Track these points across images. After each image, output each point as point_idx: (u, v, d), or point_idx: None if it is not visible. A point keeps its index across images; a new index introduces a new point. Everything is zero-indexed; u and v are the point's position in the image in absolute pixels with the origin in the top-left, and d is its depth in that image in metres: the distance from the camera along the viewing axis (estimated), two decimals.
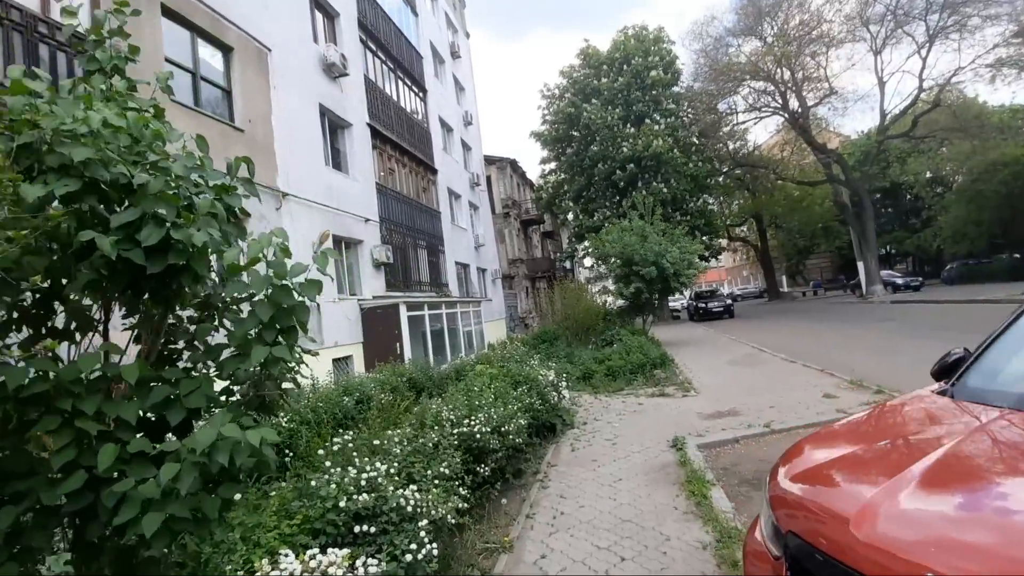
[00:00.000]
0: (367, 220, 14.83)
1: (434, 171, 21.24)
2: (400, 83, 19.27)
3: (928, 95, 27.29)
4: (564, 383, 7.18)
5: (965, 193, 31.85)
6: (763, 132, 66.58)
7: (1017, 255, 35.69)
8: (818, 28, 27.63)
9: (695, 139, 30.20)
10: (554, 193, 31.40)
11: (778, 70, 28.27)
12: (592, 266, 19.14)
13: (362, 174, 15.17)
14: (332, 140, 14.45)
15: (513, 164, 36.17)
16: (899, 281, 31.50)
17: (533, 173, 35.18)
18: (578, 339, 15.34)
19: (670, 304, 36.13)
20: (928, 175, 42.61)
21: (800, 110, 28.83)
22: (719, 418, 6.67)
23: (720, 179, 31.59)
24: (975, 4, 23.14)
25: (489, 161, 34.60)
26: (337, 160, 14.50)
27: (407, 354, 13.39)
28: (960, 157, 33.78)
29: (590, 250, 18.48)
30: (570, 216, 34.92)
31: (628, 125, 26.30)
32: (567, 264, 36.91)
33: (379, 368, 9.27)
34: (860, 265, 32.02)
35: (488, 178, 34.55)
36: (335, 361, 12.63)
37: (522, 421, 5.06)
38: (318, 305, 11.94)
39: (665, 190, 24.40)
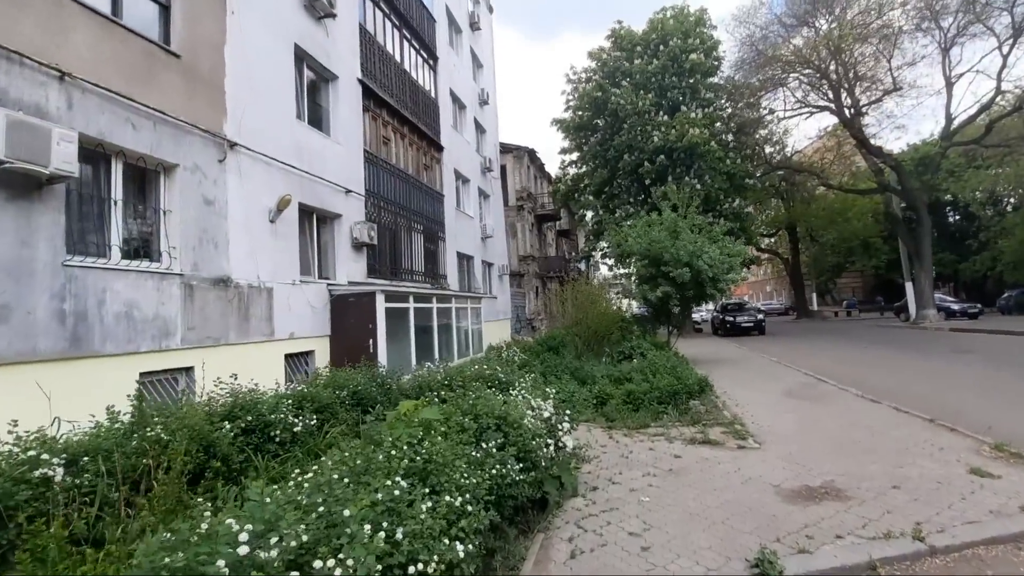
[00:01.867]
0: (348, 192, 12.44)
1: (440, 148, 18.83)
2: (406, 43, 16.88)
3: (1005, 98, 24.14)
4: (567, 421, 4.65)
5: None
6: (803, 139, 63.01)
7: None
8: (879, 19, 24.66)
9: (731, 135, 27.36)
10: (573, 186, 28.78)
11: (831, 62, 25.33)
12: (612, 266, 16.52)
13: (347, 137, 12.79)
14: (311, 93, 12.09)
15: (531, 154, 33.67)
16: (955, 307, 28.27)
17: (552, 167, 32.68)
18: (589, 349, 12.79)
19: (693, 315, 33.31)
20: (978, 194, 39.10)
21: (853, 109, 25.84)
22: (815, 502, 4.09)
23: (755, 182, 28.58)
24: None
25: (505, 149, 32.14)
26: (316, 117, 12.13)
27: (381, 353, 10.96)
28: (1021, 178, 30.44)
29: (608, 248, 15.87)
30: (588, 215, 32.26)
31: (661, 113, 23.58)
32: (582, 266, 34.28)
33: (317, 375, 6.83)
34: (909, 286, 28.87)
35: (503, 167, 32.10)
36: (289, 357, 10.25)
37: (479, 521, 2.58)
38: (267, 287, 9.59)
39: (699, 187, 21.66)
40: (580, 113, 27.14)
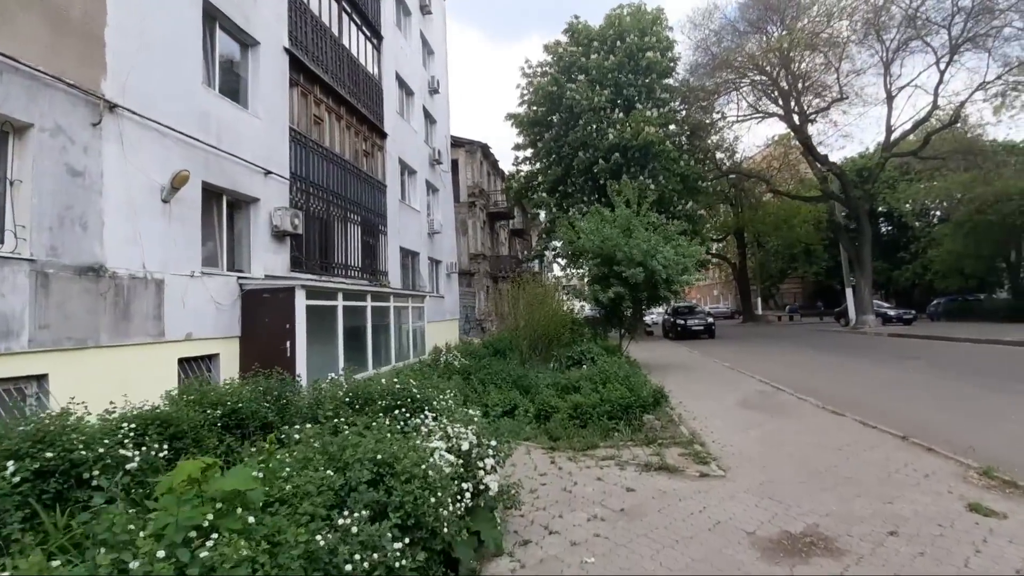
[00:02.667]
0: (268, 173, 10.98)
1: (383, 135, 17.47)
2: (345, 16, 15.44)
3: (941, 113, 25.03)
4: (492, 455, 3.59)
5: (965, 225, 29.85)
6: (751, 147, 64.76)
7: (1006, 293, 34.20)
8: (827, 30, 25.08)
9: (685, 138, 27.25)
10: (527, 183, 27.90)
11: (782, 70, 25.60)
12: (565, 267, 15.66)
13: (269, 112, 11.31)
14: (226, 58, 10.58)
15: (485, 150, 32.63)
16: (891, 313, 29.23)
17: (508, 165, 31.75)
18: (537, 353, 11.83)
19: (644, 317, 33.13)
20: (909, 206, 41.06)
21: (801, 116, 26.21)
22: (802, 559, 3.20)
23: (708, 185, 28.61)
24: (1008, 14, 20.84)
25: (457, 143, 30.92)
26: (231, 86, 10.62)
27: (300, 358, 9.61)
28: (957, 187, 31.89)
29: (561, 247, 15.01)
30: (542, 214, 31.50)
31: (616, 110, 23.04)
32: (535, 265, 33.50)
33: (198, 383, 5.48)
34: (849, 292, 29.67)
35: (455, 162, 30.90)
36: (186, 362, 8.76)
37: None
38: (156, 279, 8.09)
39: (653, 187, 21.22)
40: (535, 108, 26.30)
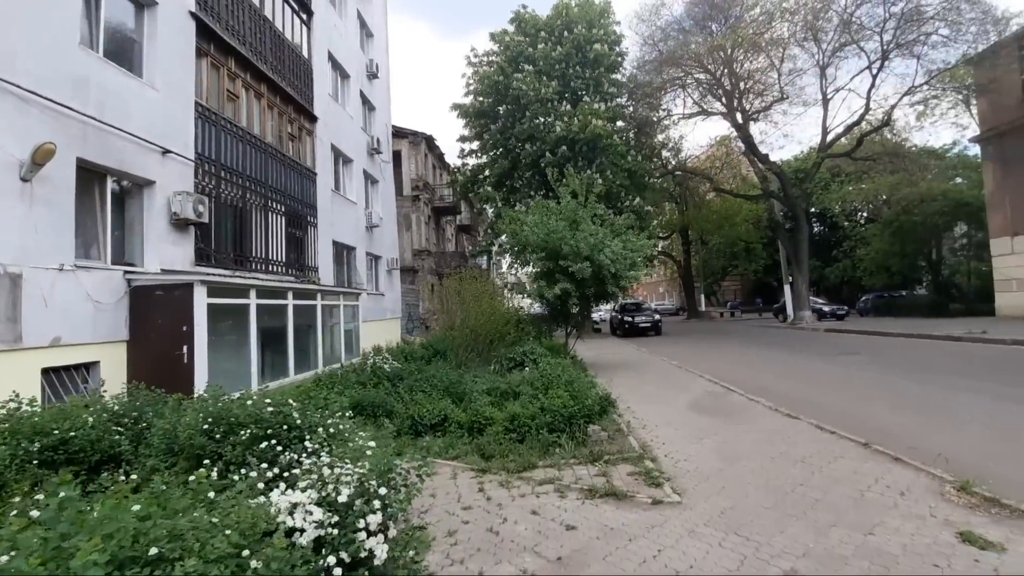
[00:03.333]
0: (167, 152, 9.53)
1: (312, 118, 16.06)
2: None
3: (872, 116, 26.00)
4: (378, 512, 2.65)
5: (892, 225, 31.31)
6: (696, 147, 66.17)
7: (923, 290, 36.34)
8: (769, 31, 25.53)
9: (632, 134, 27.11)
10: (472, 177, 26.92)
11: (725, 69, 25.86)
12: (512, 263, 14.84)
13: (169, 83, 9.85)
14: (114, 18, 9.07)
15: (429, 141, 31.36)
16: (825, 309, 30.26)
17: (454, 157, 30.61)
18: (478, 354, 10.96)
19: (592, 315, 32.92)
20: (839, 208, 43.11)
21: (744, 115, 26.59)
22: None
23: (655, 182, 28.63)
24: (935, 22, 21.73)
25: (400, 134, 29.55)
26: (120, 49, 9.11)
27: (200, 365, 8.32)
28: (884, 189, 33.52)
29: (504, 238, 14.21)
30: (489, 210, 30.65)
31: (564, 102, 22.48)
32: (483, 262, 32.59)
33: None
34: (787, 288, 30.52)
35: (398, 153, 29.50)
36: (53, 372, 7.33)
37: None
38: (11, 272, 6.66)
39: (600, 182, 20.76)
40: (481, 99, 25.36)
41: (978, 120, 25.94)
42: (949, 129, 77.81)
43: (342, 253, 18.26)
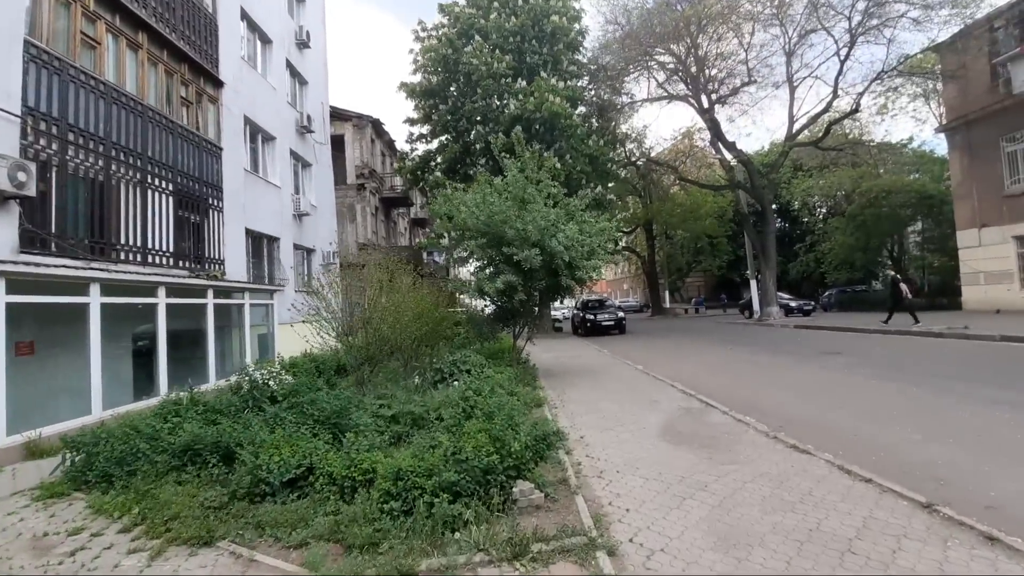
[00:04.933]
0: None
1: (217, 82, 13.54)
2: None
3: (839, 104, 25.05)
4: None
5: (856, 219, 30.66)
6: (660, 140, 65.12)
7: (879, 285, 36.11)
8: (735, 13, 24.20)
9: (595, 120, 25.34)
10: (421, 163, 24.61)
11: (690, 51, 24.43)
12: (445, 254, 12.66)
13: None
14: None
15: (376, 125, 28.86)
16: (792, 304, 29.30)
17: (405, 143, 28.11)
18: (402, 363, 8.83)
19: (552, 313, 31.12)
20: (796, 204, 42.79)
21: (709, 99, 25.23)
22: None
23: (617, 169, 26.92)
24: (905, 4, 20.74)
25: (343, 116, 27.00)
26: None
27: None
28: (847, 182, 32.94)
29: (437, 225, 12.16)
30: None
31: (519, 79, 20.47)
32: (437, 257, 30.27)
33: None
34: (754, 283, 29.40)
35: (340, 137, 26.96)
36: None
37: None
38: None
39: (559, 165, 18.90)
40: (429, 76, 23.07)
41: (944, 109, 25.33)
42: (908, 123, 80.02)
43: (261, 244, 15.76)
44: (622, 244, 46.24)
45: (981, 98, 22.08)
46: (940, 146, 36.23)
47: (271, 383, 7.32)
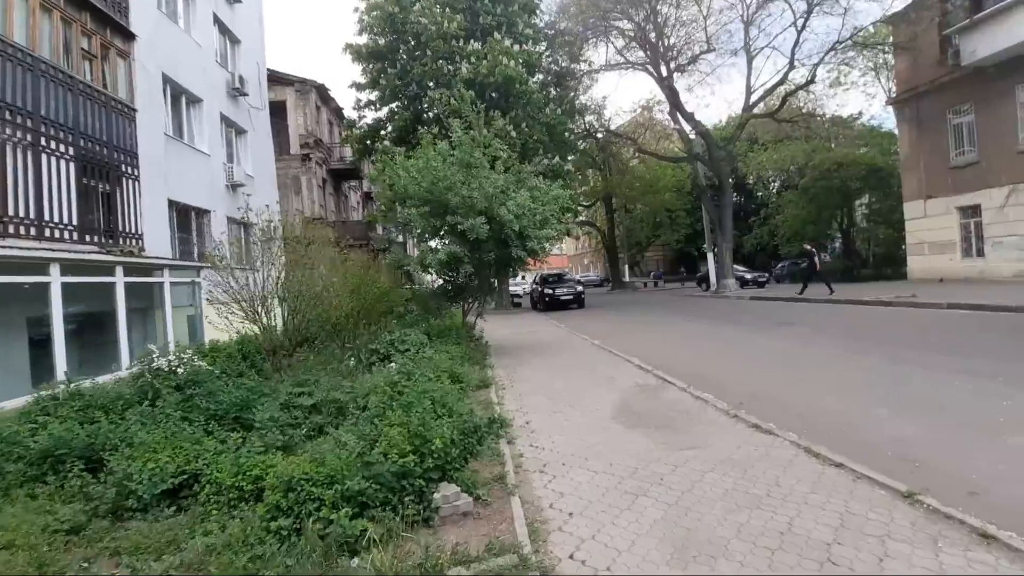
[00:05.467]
0: None
1: (128, 35, 12.02)
2: None
3: (795, 75, 24.99)
4: None
5: (809, 191, 31.10)
6: (620, 113, 64.30)
7: (827, 257, 37.17)
8: None
9: (553, 89, 24.45)
10: (370, 132, 23.23)
11: (650, 16, 23.74)
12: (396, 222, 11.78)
13: None
14: None
15: (321, 91, 27.09)
16: (748, 276, 29.66)
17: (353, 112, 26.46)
18: (338, 341, 8.04)
19: (511, 288, 30.56)
20: (751, 180, 43.36)
21: (668, 67, 24.73)
22: None
23: (576, 139, 26.20)
24: None
25: (283, 80, 25.16)
26: None
27: None
28: (800, 155, 33.34)
29: (376, 193, 11.22)
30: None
31: (471, 41, 19.34)
32: (394, 231, 29.00)
33: None
34: (711, 256, 29.60)
35: (282, 104, 25.17)
36: None
37: None
38: None
39: (514, 134, 18.05)
40: (376, 37, 21.56)
41: (895, 82, 25.66)
42: (859, 98, 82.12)
43: (188, 217, 14.41)
44: (582, 218, 45.99)
45: (931, 70, 22.33)
46: (888, 121, 37.08)
47: (179, 370, 6.42)
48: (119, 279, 9.42)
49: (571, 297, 23.31)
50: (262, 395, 5.09)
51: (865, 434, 4.53)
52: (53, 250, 8.62)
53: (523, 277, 39.23)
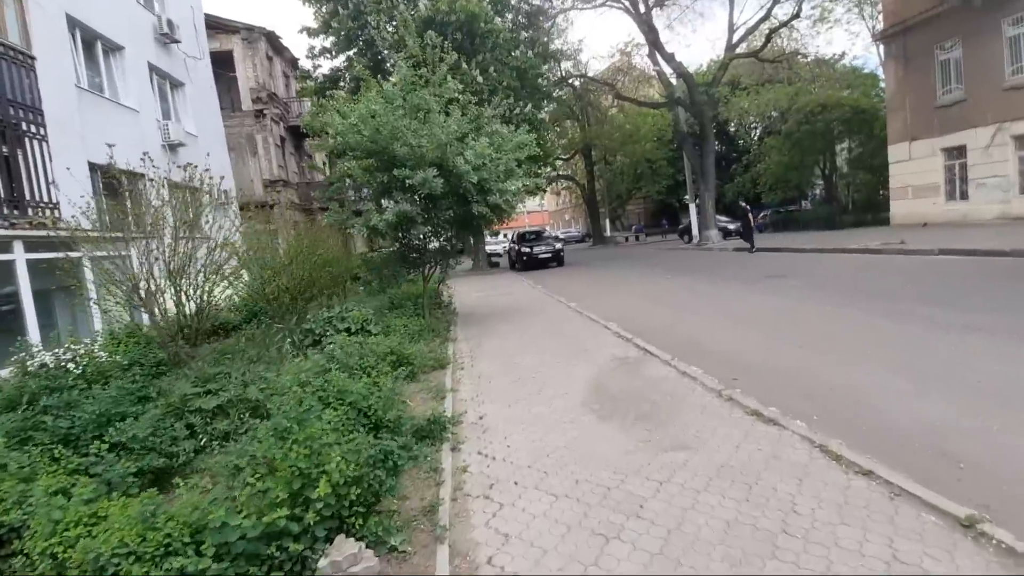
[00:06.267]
0: None
1: None
2: None
3: (780, 12, 23.45)
4: None
5: (792, 136, 30.04)
6: (597, 58, 61.16)
7: (807, 204, 36.61)
8: None
9: (525, 32, 22.61)
10: (328, 83, 21.34)
11: None
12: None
13: None
14: None
15: (271, 39, 24.77)
16: (731, 227, 28.86)
17: (307, 61, 24.28)
18: (278, 317, 7.00)
19: (487, 247, 29.45)
20: (732, 127, 41.97)
21: (646, 7, 23.00)
22: None
23: (550, 88, 24.52)
24: None
25: (227, 27, 22.88)
26: None
27: None
28: (783, 99, 32.02)
29: (316, 144, 10.00)
30: None
31: None
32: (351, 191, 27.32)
33: None
34: (692, 208, 28.69)
35: (228, 54, 22.97)
36: None
37: None
38: None
39: (480, 79, 16.51)
40: None
41: (883, 15, 24.30)
42: (842, 38, 79.57)
43: (119, 183, 12.86)
44: (560, 171, 44.45)
45: (919, 2, 21.05)
46: (871, 62, 35.85)
47: (70, 366, 5.34)
48: (19, 256, 8.14)
49: (550, 255, 22.32)
50: (146, 399, 4.07)
51: (888, 418, 3.71)
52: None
53: (504, 236, 38.07)
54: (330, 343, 5.65)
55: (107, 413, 3.50)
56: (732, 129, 43.75)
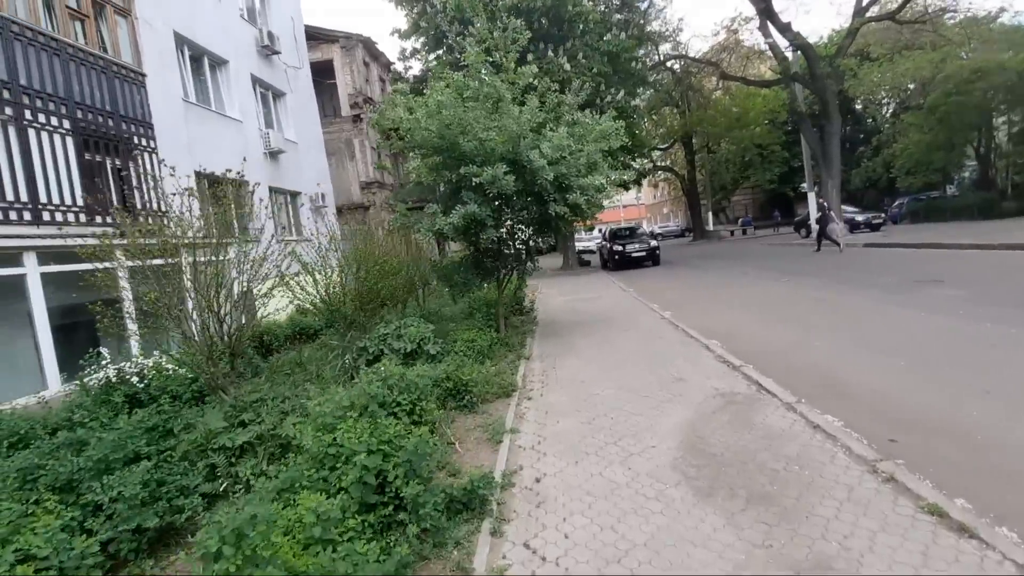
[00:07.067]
0: None
1: None
2: None
3: None
4: None
5: (937, 111, 25.54)
6: (699, 39, 57.33)
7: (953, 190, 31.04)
8: None
9: (618, 13, 21.12)
10: (419, 84, 21.40)
11: None
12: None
13: None
14: None
15: (368, 45, 25.53)
16: (859, 218, 25.25)
17: (399, 63, 24.74)
18: (343, 328, 6.61)
19: (578, 244, 28.31)
20: (860, 103, 36.62)
21: None
22: None
23: (643, 69, 22.57)
24: None
25: (327, 37, 23.84)
26: None
27: None
28: (926, 67, 27.24)
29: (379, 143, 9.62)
30: None
31: None
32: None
33: None
34: (811, 196, 25.42)
35: (328, 63, 23.95)
36: None
37: None
38: None
39: (568, 67, 15.47)
40: None
41: None
42: None
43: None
44: (657, 162, 41.91)
45: None
46: None
47: (135, 379, 5.23)
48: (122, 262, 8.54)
49: (644, 254, 20.74)
50: (167, 434, 3.67)
51: None
52: (26, 236, 7.77)
53: (599, 231, 36.45)
54: (383, 363, 5.05)
55: (105, 459, 3.09)
56: (859, 106, 38.56)
